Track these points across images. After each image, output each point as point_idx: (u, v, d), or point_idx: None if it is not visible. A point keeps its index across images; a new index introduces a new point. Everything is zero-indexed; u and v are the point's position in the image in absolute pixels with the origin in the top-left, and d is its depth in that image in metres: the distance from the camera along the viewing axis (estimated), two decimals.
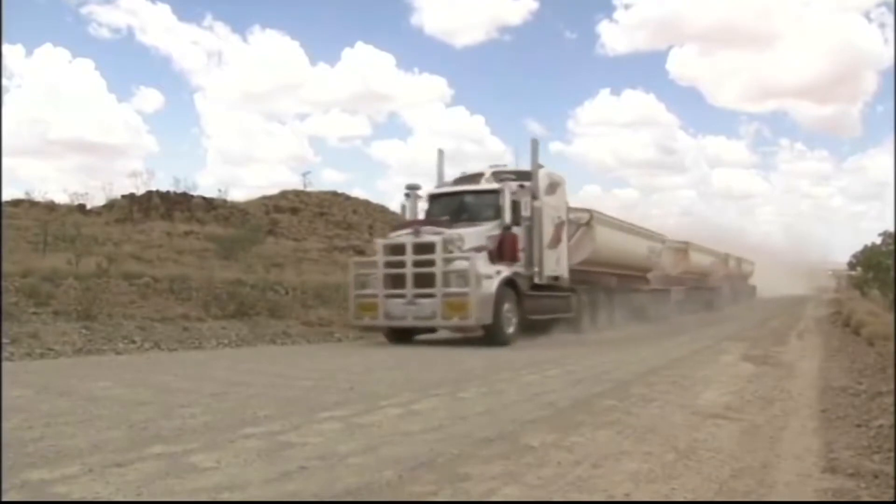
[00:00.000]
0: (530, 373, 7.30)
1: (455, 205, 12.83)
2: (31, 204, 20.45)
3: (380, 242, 12.10)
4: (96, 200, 22.44)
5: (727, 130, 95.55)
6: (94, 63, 71.61)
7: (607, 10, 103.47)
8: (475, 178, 13.36)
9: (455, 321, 10.95)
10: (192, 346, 10.24)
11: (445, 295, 10.85)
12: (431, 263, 11.00)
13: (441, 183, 14.09)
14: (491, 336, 11.00)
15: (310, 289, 15.18)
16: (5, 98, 47.62)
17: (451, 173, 14.32)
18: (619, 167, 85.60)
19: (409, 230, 11.68)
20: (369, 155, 79.12)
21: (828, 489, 3.19)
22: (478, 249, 11.26)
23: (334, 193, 33.84)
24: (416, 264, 11.14)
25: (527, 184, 12.49)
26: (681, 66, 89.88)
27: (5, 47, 46.07)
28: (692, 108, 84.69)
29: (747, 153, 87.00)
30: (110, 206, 22.35)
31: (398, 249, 11.45)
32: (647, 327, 15.75)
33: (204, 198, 25.40)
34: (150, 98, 74.83)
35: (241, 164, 67.76)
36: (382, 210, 31.66)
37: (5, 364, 7.40)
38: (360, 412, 4.80)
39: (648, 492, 3.07)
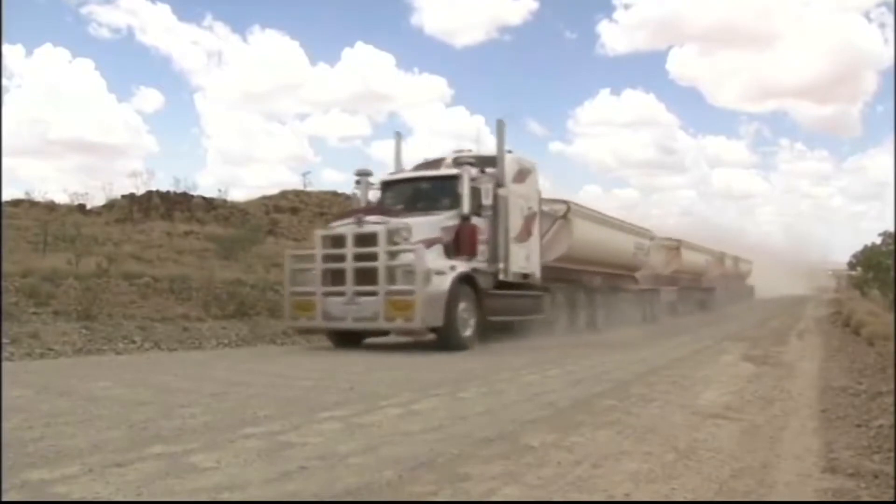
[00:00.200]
0: (530, 373, 7.30)
1: (410, 193, 11.68)
2: (31, 204, 20.42)
3: (318, 233, 10.83)
4: (96, 200, 22.41)
5: (727, 130, 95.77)
6: (94, 63, 71.73)
7: (607, 10, 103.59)
8: (435, 163, 12.16)
9: (399, 323, 9.69)
10: (192, 346, 10.25)
11: (389, 293, 9.58)
12: (374, 257, 9.77)
13: (398, 169, 12.92)
14: (444, 340, 9.89)
15: None
16: (5, 98, 47.63)
17: None
18: (619, 167, 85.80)
19: (351, 219, 10.46)
20: (369, 155, 79.09)
21: (828, 489, 3.19)
22: (431, 242, 10.02)
23: (334, 193, 33.76)
24: (358, 258, 9.93)
25: (491, 170, 11.29)
26: (681, 66, 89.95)
27: (5, 47, 46.08)
28: (692, 108, 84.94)
29: (747, 153, 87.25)
30: (110, 206, 22.32)
31: (338, 241, 10.21)
32: (632, 330, 14.46)
33: (204, 198, 25.37)
34: (150, 98, 74.89)
35: (241, 164, 67.85)
36: None
37: (5, 364, 7.40)
38: (360, 412, 4.80)
39: (648, 492, 3.07)
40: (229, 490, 2.95)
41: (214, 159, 67.74)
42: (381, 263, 9.70)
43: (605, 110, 78.35)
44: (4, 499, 2.81)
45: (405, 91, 70.85)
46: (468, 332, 10.16)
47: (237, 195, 30.99)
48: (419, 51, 74.87)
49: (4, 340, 8.56)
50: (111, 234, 17.51)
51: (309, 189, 33.07)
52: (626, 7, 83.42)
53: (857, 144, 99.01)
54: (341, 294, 9.93)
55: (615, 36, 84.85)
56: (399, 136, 13.81)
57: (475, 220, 10.73)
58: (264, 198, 30.78)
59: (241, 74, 63.56)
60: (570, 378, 6.94)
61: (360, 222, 10.17)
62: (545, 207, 12.99)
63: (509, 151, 11.89)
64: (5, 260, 11.17)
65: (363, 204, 11.78)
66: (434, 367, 8.00)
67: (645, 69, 79.29)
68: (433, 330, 9.84)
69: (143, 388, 5.89)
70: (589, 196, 62.47)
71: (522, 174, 12.10)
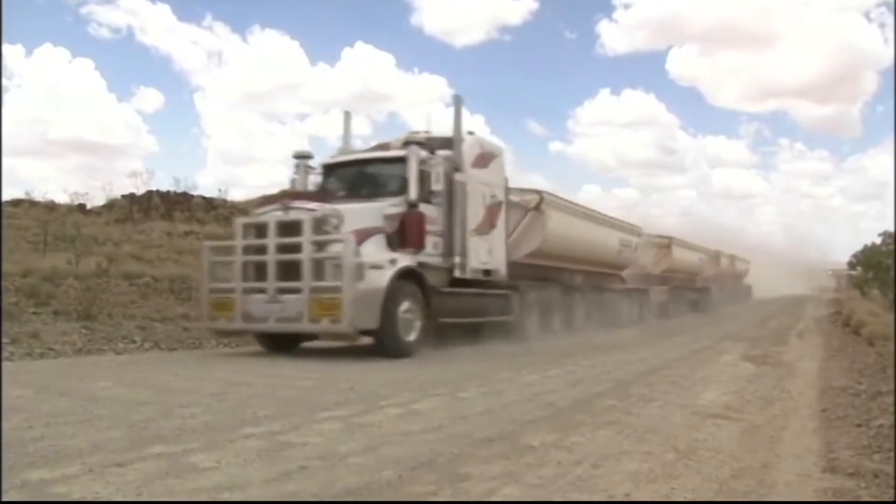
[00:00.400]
0: (531, 373, 7.30)
1: (354, 177, 10.41)
2: (31, 204, 20.41)
3: (239, 221, 9.71)
4: (96, 200, 22.40)
5: (727, 130, 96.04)
6: (94, 63, 72.01)
7: (607, 10, 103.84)
8: (386, 146, 10.99)
9: (325, 325, 8.36)
10: (192, 346, 10.23)
11: (314, 290, 8.32)
12: (299, 248, 8.56)
13: (343, 150, 11.55)
14: (381, 345, 8.68)
15: None
16: (5, 98, 47.67)
17: None
18: (619, 167, 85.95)
19: (276, 205, 9.20)
20: None
21: (828, 489, 3.19)
22: (369, 232, 8.81)
23: None
24: (281, 249, 8.70)
25: (446, 152, 10.11)
26: (681, 66, 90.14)
27: (5, 47, 46.08)
28: (692, 108, 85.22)
29: (747, 153, 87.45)
30: (110, 206, 22.30)
31: (260, 230, 8.98)
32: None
33: (204, 198, 25.34)
34: (150, 98, 75.11)
35: (241, 164, 67.99)
36: None
37: (5, 364, 7.40)
38: (360, 412, 4.80)
39: (648, 492, 3.07)
40: (229, 490, 2.95)
41: (214, 159, 67.95)
42: (305, 256, 8.48)
43: (605, 110, 78.62)
44: (4, 499, 2.80)
45: (405, 91, 71.00)
46: (412, 337, 8.87)
47: (237, 195, 30.95)
48: (419, 51, 75.14)
49: (4, 340, 8.55)
50: (111, 234, 17.49)
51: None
52: (626, 7, 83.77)
53: (857, 144, 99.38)
54: (263, 291, 8.74)
55: (615, 36, 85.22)
56: (348, 115, 12.31)
57: (424, 208, 9.44)
58: (264, 198, 30.76)
59: (241, 74, 63.81)
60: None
61: (285, 209, 8.89)
62: (515, 198, 11.99)
63: (471, 133, 10.84)
64: (5, 260, 11.17)
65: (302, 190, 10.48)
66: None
67: (645, 69, 79.61)
68: (369, 333, 8.65)
69: (143, 388, 5.88)
70: (589, 196, 62.54)
71: (485, 158, 10.89)
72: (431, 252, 9.65)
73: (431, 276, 9.47)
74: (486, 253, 10.75)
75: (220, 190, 28.36)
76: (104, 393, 5.57)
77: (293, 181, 10.86)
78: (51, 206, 20.38)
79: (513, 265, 11.57)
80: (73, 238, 14.77)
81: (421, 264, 9.26)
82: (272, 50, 64.72)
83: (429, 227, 9.48)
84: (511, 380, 6.76)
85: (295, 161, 10.87)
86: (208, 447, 3.69)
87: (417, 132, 10.93)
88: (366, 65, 66.64)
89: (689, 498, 3.00)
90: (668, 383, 6.59)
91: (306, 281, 8.40)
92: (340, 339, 8.92)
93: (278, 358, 8.86)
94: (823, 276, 59.04)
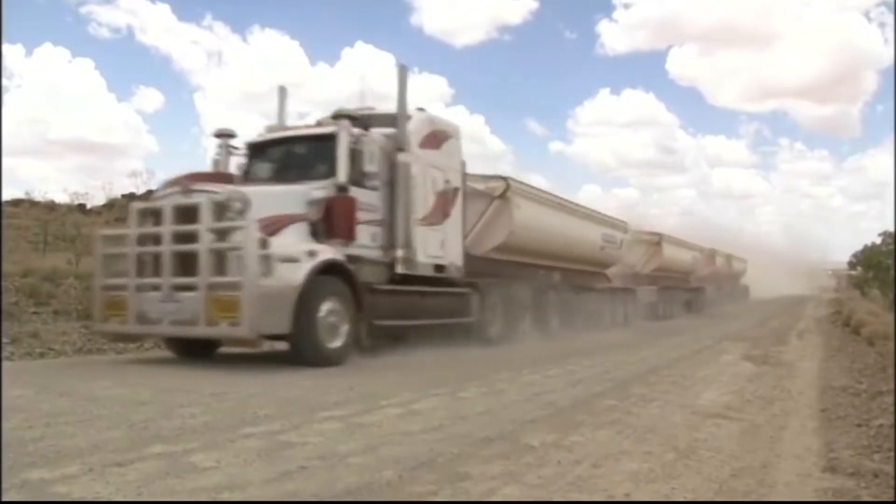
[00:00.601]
0: (531, 373, 7.29)
1: (281, 158, 9.18)
2: (31, 204, 20.46)
3: (134, 206, 8.41)
4: (96, 200, 22.48)
5: (727, 130, 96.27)
6: (94, 63, 72.31)
7: (607, 9, 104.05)
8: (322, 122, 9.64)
9: (223, 329, 7.06)
10: None
11: (211, 287, 7.05)
12: (196, 237, 7.32)
13: (271, 128, 10.11)
14: (298, 351, 7.43)
15: None
16: (5, 98, 47.67)
17: None
18: (619, 167, 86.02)
19: (176, 188, 7.83)
20: None
21: (828, 489, 3.19)
22: (288, 219, 7.67)
23: None
24: (178, 239, 7.43)
25: (388, 130, 8.96)
26: (681, 66, 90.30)
27: (5, 47, 46.07)
28: (692, 107, 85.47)
29: (747, 153, 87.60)
30: (110, 205, 22.35)
31: (155, 216, 7.72)
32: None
33: None
34: (150, 98, 75.23)
35: None
36: None
37: (5, 364, 7.39)
38: (360, 412, 4.80)
39: (648, 492, 3.07)
40: (229, 490, 2.95)
41: None
42: (202, 246, 7.21)
43: (605, 110, 78.75)
44: (4, 499, 2.80)
45: None
46: (337, 343, 7.60)
47: None
48: (419, 51, 75.26)
49: (4, 340, 8.55)
50: None
51: None
52: (626, 7, 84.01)
53: (857, 144, 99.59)
54: (157, 288, 7.47)
55: (615, 36, 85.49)
56: (283, 90, 10.83)
57: (357, 193, 8.22)
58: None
59: (241, 74, 63.85)
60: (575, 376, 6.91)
61: (185, 191, 7.60)
62: (479, 185, 10.84)
63: (421, 109, 9.66)
64: (5, 260, 11.17)
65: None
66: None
67: (645, 69, 79.81)
68: (282, 338, 7.48)
69: (143, 388, 5.88)
70: (589, 195, 62.53)
71: (437, 138, 9.60)
72: (368, 244, 8.46)
73: (367, 272, 8.28)
74: (438, 246, 9.50)
75: None
76: (104, 393, 5.56)
77: (216, 162, 9.52)
78: (51, 206, 20.44)
79: (475, 260, 10.45)
80: (73, 238, 14.79)
81: (351, 258, 8.00)
82: (272, 50, 64.97)
83: (364, 216, 8.32)
84: (511, 380, 6.72)
85: (217, 140, 9.60)
86: (208, 447, 3.69)
87: (363, 107, 9.72)
88: (366, 65, 66.71)
89: (689, 498, 3.01)
90: (668, 383, 6.59)
91: (203, 276, 7.12)
92: (241, 345, 7.63)
93: (278, 357, 8.01)
94: (823, 275, 59.10)
